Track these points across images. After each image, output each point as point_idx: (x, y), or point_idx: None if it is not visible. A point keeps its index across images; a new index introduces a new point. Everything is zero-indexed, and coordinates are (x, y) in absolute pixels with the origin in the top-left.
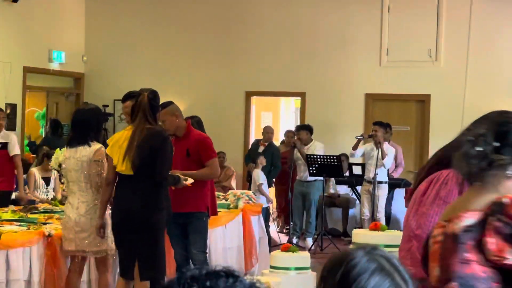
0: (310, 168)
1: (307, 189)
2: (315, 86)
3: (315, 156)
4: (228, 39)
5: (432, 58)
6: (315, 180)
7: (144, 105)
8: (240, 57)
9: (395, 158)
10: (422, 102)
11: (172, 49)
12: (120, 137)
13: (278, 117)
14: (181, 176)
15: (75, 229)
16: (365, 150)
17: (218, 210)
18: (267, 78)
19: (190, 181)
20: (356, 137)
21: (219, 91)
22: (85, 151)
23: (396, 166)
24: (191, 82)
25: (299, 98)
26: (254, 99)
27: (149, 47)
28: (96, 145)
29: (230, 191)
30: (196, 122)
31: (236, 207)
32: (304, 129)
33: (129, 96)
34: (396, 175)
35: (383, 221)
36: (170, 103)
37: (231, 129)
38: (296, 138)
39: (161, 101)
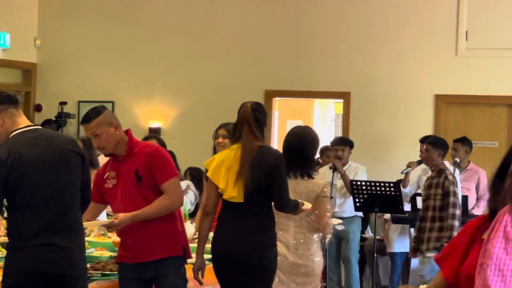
0: (357, 200)
1: (344, 228)
2: (363, 84)
3: (365, 183)
4: (239, 20)
5: None
6: (354, 216)
7: (249, 118)
8: (257, 45)
9: (477, 187)
10: None
11: (163, 33)
12: (226, 157)
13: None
14: (299, 201)
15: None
16: (418, 180)
17: None
18: (294, 73)
19: (307, 205)
20: (402, 172)
21: (228, 89)
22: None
23: (478, 199)
24: (189, 77)
25: (341, 100)
26: (276, 102)
27: (130, 28)
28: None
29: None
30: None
31: None
32: (347, 145)
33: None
34: (477, 211)
35: None
36: (101, 109)
37: None
38: (334, 156)
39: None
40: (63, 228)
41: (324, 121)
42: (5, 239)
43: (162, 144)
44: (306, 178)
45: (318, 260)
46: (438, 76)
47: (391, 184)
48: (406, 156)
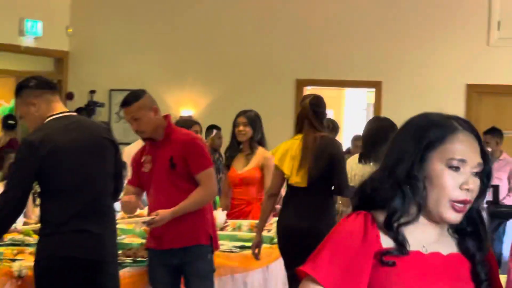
0: None
1: None
2: (395, 74)
3: None
4: (272, 8)
5: None
6: None
7: (308, 113)
8: (289, 34)
9: (509, 178)
10: None
11: (194, 20)
12: (290, 147)
13: (342, 117)
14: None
15: None
16: None
17: None
18: (326, 62)
19: None
20: None
21: (259, 78)
22: None
23: (510, 189)
24: (219, 65)
25: (373, 89)
26: (308, 91)
27: (162, 16)
28: None
29: (273, 219)
30: (257, 117)
31: None
32: None
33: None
34: (509, 201)
35: None
36: (141, 93)
37: (276, 132)
38: None
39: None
40: (95, 215)
41: (356, 110)
42: (37, 225)
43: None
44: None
45: None
46: (470, 65)
47: None
48: None
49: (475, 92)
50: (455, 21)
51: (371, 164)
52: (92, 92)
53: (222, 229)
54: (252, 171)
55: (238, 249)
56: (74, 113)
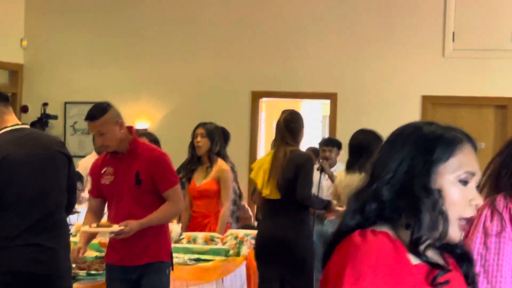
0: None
1: (331, 230)
2: (350, 85)
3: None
4: (227, 20)
5: None
6: None
7: (281, 129)
8: (244, 46)
9: None
10: (504, 108)
11: (150, 34)
12: (264, 161)
13: None
14: (332, 202)
15: None
16: None
17: (212, 257)
18: (281, 74)
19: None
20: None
21: (214, 91)
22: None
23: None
24: (174, 78)
25: (328, 101)
26: (263, 103)
27: (117, 29)
28: None
29: (229, 231)
30: (216, 129)
31: (238, 254)
32: (335, 146)
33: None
34: None
35: None
36: (106, 107)
37: (231, 143)
38: (321, 157)
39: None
40: (48, 229)
41: (312, 122)
42: None
43: (156, 140)
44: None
45: None
46: (425, 77)
47: None
48: None
49: (430, 103)
50: (410, 32)
51: (358, 173)
52: (45, 104)
53: (177, 241)
54: (209, 183)
55: (193, 262)
56: (27, 126)
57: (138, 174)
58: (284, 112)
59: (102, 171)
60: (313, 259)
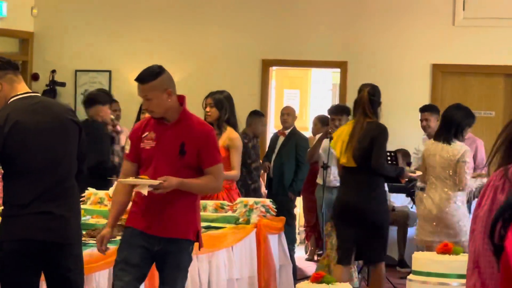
0: None
1: None
2: (360, 54)
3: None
4: None
5: None
6: None
7: (364, 101)
8: (255, 15)
9: (474, 157)
10: None
11: (160, 3)
12: (343, 131)
13: (308, 97)
14: (405, 168)
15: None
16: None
17: (222, 225)
18: (291, 42)
19: (418, 173)
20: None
21: (224, 59)
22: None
23: (475, 169)
24: (185, 46)
25: (338, 70)
26: (273, 71)
27: None
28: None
29: (239, 199)
30: (225, 98)
31: (247, 222)
32: (345, 113)
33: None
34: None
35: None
36: (158, 70)
37: (242, 111)
38: (331, 125)
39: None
40: (59, 196)
41: (321, 90)
42: None
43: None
44: (449, 143)
45: (458, 215)
46: (435, 45)
47: (392, 153)
48: (402, 125)
49: (440, 71)
50: (421, 1)
51: (441, 143)
52: (53, 71)
53: None
54: None
55: (203, 229)
56: (38, 94)
57: (183, 145)
58: (365, 85)
59: (144, 135)
60: (388, 224)
